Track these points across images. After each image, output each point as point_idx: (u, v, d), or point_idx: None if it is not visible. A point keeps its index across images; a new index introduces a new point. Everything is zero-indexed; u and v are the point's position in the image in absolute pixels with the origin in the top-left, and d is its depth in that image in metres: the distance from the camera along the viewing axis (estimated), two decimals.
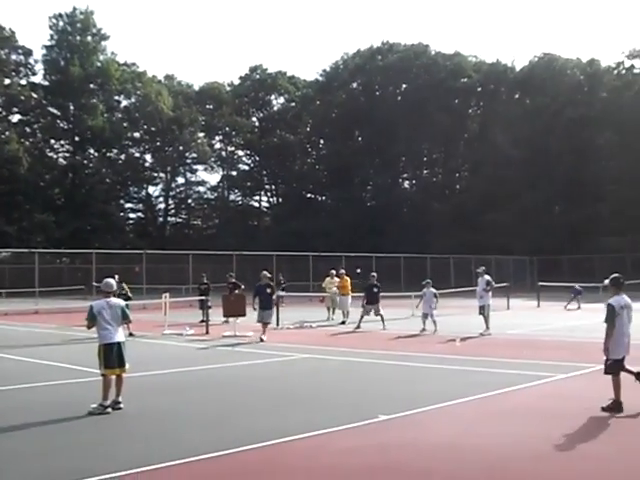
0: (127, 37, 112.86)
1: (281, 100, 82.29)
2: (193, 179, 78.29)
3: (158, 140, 73.67)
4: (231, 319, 20.45)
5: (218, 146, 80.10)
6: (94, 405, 8.82)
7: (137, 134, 73.51)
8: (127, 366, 9.25)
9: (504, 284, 30.36)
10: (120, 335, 9.27)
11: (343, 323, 23.25)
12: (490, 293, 19.61)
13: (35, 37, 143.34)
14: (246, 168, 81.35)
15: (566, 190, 57.52)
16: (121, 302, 9.57)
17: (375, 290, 21.65)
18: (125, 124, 70.77)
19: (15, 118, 65.76)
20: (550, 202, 60.48)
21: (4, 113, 64.25)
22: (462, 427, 7.92)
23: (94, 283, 30.18)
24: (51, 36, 66.42)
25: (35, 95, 65.06)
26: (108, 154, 70.44)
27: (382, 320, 21.10)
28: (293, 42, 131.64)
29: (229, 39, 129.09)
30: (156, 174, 76.13)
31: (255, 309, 18.29)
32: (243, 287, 23.92)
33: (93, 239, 57.32)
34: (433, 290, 20.17)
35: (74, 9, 66.58)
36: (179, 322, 22.01)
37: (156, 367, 13.00)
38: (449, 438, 7.40)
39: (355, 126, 74.50)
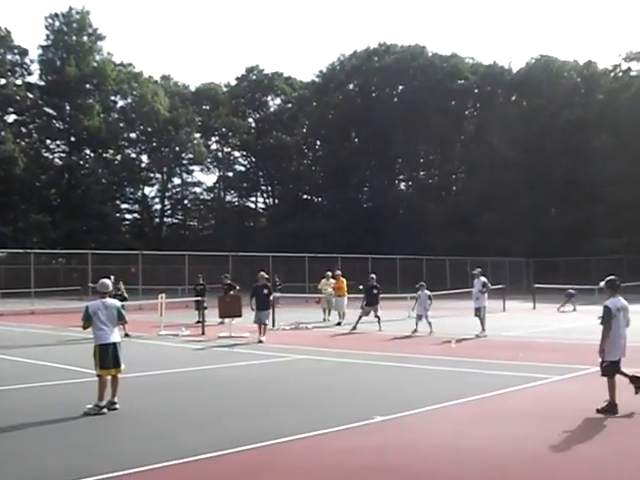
0: (123, 37, 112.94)
1: (277, 101, 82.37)
2: (189, 180, 78.30)
3: (154, 141, 73.58)
4: (227, 320, 20.44)
5: (214, 147, 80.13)
6: (90, 406, 8.81)
7: (133, 135, 73.41)
8: (123, 367, 9.25)
9: (500, 286, 30.38)
10: (116, 336, 9.26)
11: (339, 324, 23.24)
12: (486, 295, 19.66)
13: (31, 37, 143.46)
14: (242, 169, 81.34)
15: (562, 192, 57.58)
16: (117, 303, 9.56)
17: (375, 291, 21.70)
18: (121, 124, 70.64)
19: (11, 118, 65.70)
20: (546, 204, 60.51)
21: (0, 113, 64.14)
22: (458, 428, 7.93)
23: (90, 284, 30.12)
24: (47, 36, 66.30)
25: (31, 95, 64.88)
26: (104, 154, 70.29)
27: (378, 321, 21.13)
28: (290, 43, 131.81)
29: (226, 40, 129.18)
30: (152, 175, 76.03)
31: (253, 309, 18.30)
32: (238, 288, 23.92)
33: (89, 240, 57.25)
34: (427, 292, 20.21)
35: (70, 9, 66.46)
36: (175, 323, 22.00)
37: (152, 368, 12.99)
38: (445, 439, 7.41)
39: (351, 127, 74.51)
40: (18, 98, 63.33)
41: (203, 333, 19.85)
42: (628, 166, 52.01)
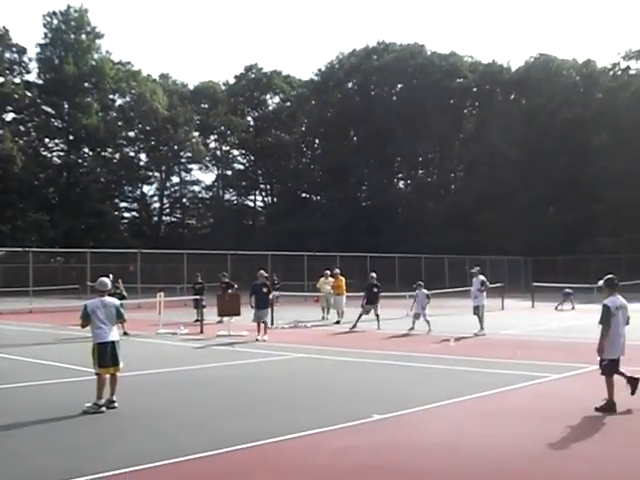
0: (122, 36, 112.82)
1: (276, 99, 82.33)
2: (188, 178, 78.27)
3: (153, 139, 73.52)
4: (225, 318, 20.45)
5: (213, 145, 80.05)
6: (88, 404, 8.81)
7: (132, 133, 73.33)
8: (121, 365, 9.26)
9: (499, 284, 30.39)
10: (114, 334, 9.26)
11: (338, 323, 23.26)
12: (484, 293, 19.65)
13: (29, 35, 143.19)
14: (241, 167, 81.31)
15: (561, 191, 57.56)
16: (115, 301, 9.55)
17: (375, 290, 21.73)
18: (120, 123, 70.52)
19: (9, 117, 65.53)
20: (545, 203, 60.53)
21: None
22: (456, 427, 7.93)
23: (88, 282, 30.10)
24: (45, 34, 66.18)
25: (29, 93, 64.73)
26: (103, 153, 70.22)
27: (377, 320, 21.15)
28: (288, 41, 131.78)
29: (224, 38, 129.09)
30: (151, 173, 75.97)
31: (253, 307, 18.32)
32: (236, 286, 23.92)
33: (88, 238, 57.13)
34: (425, 291, 20.23)
35: (68, 7, 66.29)
36: (174, 321, 21.99)
37: (150, 366, 12.99)
38: (443, 438, 7.41)
39: (350, 126, 74.47)
40: (16, 96, 63.16)
41: (202, 332, 19.85)
42: (627, 165, 51.99)
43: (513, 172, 59.34)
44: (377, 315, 21.30)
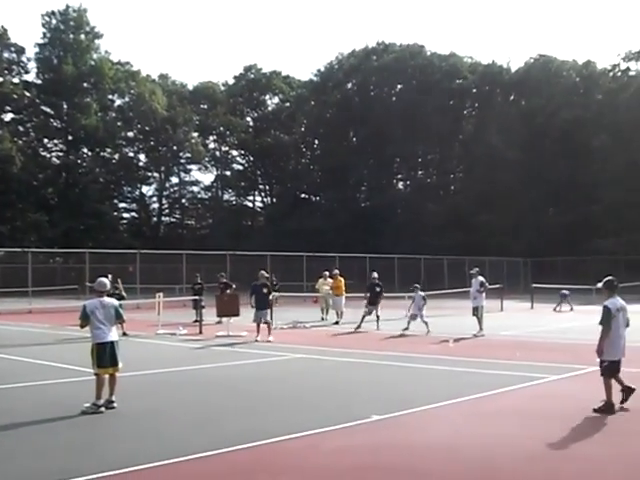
0: (121, 36, 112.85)
1: (275, 100, 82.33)
2: (187, 179, 78.25)
3: (152, 140, 73.47)
4: (224, 319, 20.44)
5: (212, 146, 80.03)
6: (87, 404, 8.82)
7: (131, 133, 73.27)
8: (120, 365, 9.26)
9: (498, 285, 30.41)
10: (113, 334, 9.26)
11: (337, 323, 23.27)
12: (484, 294, 19.66)
13: (28, 35, 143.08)
14: (240, 168, 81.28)
15: (561, 192, 57.61)
16: (114, 302, 9.55)
17: (378, 289, 21.77)
18: (119, 123, 70.46)
19: (8, 117, 65.44)
20: (545, 204, 60.54)
21: None
22: (455, 427, 7.93)
23: (87, 283, 30.09)
24: (44, 34, 66.06)
25: (28, 94, 64.67)
26: (102, 153, 70.17)
27: (377, 320, 21.18)
28: (288, 42, 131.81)
29: (223, 38, 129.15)
30: (150, 174, 75.92)
31: (253, 307, 18.33)
32: (235, 287, 23.92)
33: (86, 239, 57.12)
34: (421, 293, 20.23)
35: (67, 7, 66.21)
36: (173, 322, 21.98)
37: (149, 367, 12.99)
38: (442, 438, 7.41)
39: (350, 126, 74.47)
40: (15, 96, 63.11)
41: (201, 332, 19.84)
42: (627, 166, 52.01)
43: (513, 173, 59.37)
44: (377, 316, 21.33)
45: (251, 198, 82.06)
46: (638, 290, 32.98)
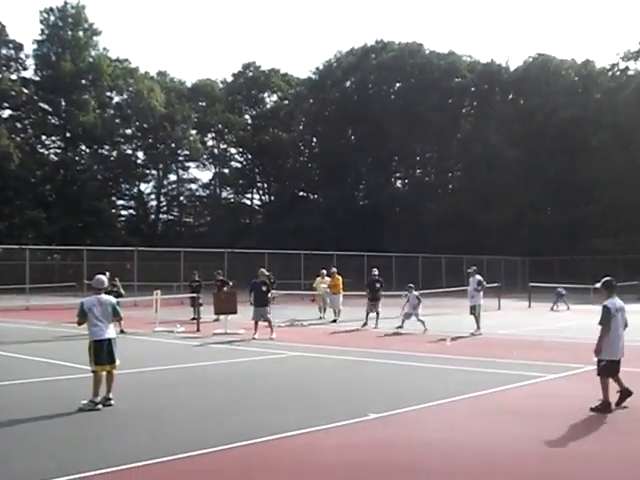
0: (119, 33, 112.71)
1: (274, 98, 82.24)
2: (185, 176, 78.21)
3: (150, 137, 73.37)
4: (222, 316, 20.44)
5: (210, 143, 79.95)
6: (85, 401, 8.82)
7: (129, 131, 73.16)
8: (117, 362, 9.26)
9: (495, 284, 30.43)
10: (111, 332, 9.26)
11: (334, 322, 23.29)
12: (481, 293, 19.69)
13: (26, 31, 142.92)
14: (238, 166, 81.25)
15: (559, 191, 57.64)
16: (112, 299, 9.56)
17: (378, 285, 21.87)
18: (117, 120, 70.34)
19: (6, 113, 65.37)
20: (543, 203, 60.60)
21: None
22: (452, 425, 7.94)
23: (85, 280, 30.08)
24: (42, 31, 65.91)
25: (26, 90, 64.53)
26: (100, 150, 70.10)
27: (377, 318, 21.25)
28: (287, 39, 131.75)
29: (222, 36, 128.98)
30: (148, 171, 75.84)
31: (251, 303, 18.36)
32: (232, 284, 23.93)
33: (84, 236, 57.02)
34: (415, 293, 20.25)
35: (65, 3, 66.09)
36: (170, 319, 21.97)
37: (147, 364, 12.99)
38: (440, 436, 7.42)
39: (348, 125, 74.41)
40: (13, 93, 62.99)
41: (198, 330, 19.83)
42: (625, 165, 52.05)
43: (511, 172, 59.41)
44: (377, 313, 21.40)
45: (249, 196, 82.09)
46: (636, 290, 33.12)
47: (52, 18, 66.11)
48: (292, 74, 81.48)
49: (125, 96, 71.85)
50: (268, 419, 8.22)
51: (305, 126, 78.94)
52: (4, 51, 64.57)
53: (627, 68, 60.48)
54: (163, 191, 76.99)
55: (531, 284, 34.74)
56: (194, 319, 21.42)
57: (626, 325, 9.09)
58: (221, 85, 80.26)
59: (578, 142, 57.55)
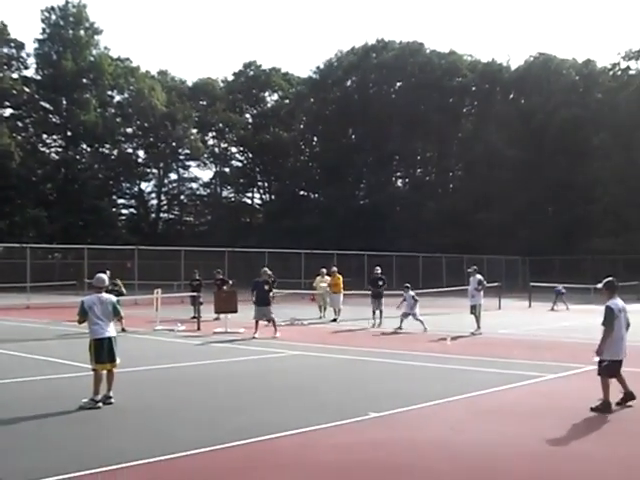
0: (120, 32, 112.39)
1: (275, 97, 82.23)
2: (186, 175, 78.22)
3: (151, 136, 73.37)
4: (222, 315, 20.45)
5: (211, 142, 79.94)
6: (85, 400, 8.83)
7: (130, 129, 73.18)
8: (118, 361, 9.27)
9: (496, 284, 30.42)
10: (111, 330, 9.28)
11: (334, 321, 23.31)
12: (482, 292, 19.69)
13: (27, 30, 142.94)
14: (239, 165, 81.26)
15: (560, 190, 57.57)
16: (112, 298, 9.57)
17: (381, 283, 21.92)
18: (118, 119, 70.36)
19: (7, 112, 65.39)
20: (543, 202, 60.53)
21: None
22: (452, 425, 7.94)
23: (86, 279, 30.08)
24: (43, 29, 65.93)
25: (27, 89, 64.61)
26: (101, 149, 70.14)
27: (380, 316, 21.30)
28: (287, 39, 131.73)
29: (223, 35, 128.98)
30: (149, 170, 75.86)
31: (254, 302, 18.38)
32: (231, 283, 23.94)
33: (85, 234, 57.03)
34: (412, 293, 20.25)
35: (67, 2, 66.08)
36: (171, 318, 21.99)
37: (147, 363, 13.00)
38: (439, 436, 7.42)
39: (349, 124, 74.38)
40: (14, 92, 63.04)
41: (199, 328, 19.85)
42: (626, 165, 52.01)
43: (511, 171, 59.35)
44: (380, 311, 21.43)
45: (250, 195, 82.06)
46: (636, 290, 33.08)
47: (53, 17, 66.18)
48: (293, 73, 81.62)
49: (126, 95, 71.88)
50: (268, 418, 8.23)
51: (306, 125, 78.92)
52: (5, 50, 64.63)
53: (628, 68, 60.40)
54: (164, 190, 76.99)
55: (531, 284, 34.74)
56: (194, 318, 21.43)
57: (628, 325, 9.10)
58: (222, 84, 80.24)
59: (579, 142, 57.45)
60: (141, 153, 75.19)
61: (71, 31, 66.12)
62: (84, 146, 69.44)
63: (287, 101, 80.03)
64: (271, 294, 18.97)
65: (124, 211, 75.23)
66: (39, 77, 66.41)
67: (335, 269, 25.79)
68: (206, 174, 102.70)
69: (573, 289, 32.24)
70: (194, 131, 75.11)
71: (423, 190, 69.79)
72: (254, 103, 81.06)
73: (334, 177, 69.84)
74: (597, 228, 52.95)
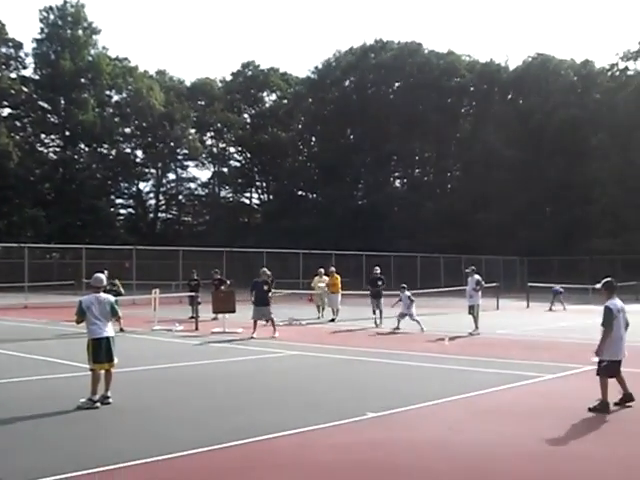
0: (118, 31, 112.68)
1: (273, 97, 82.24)
2: (184, 175, 78.25)
3: (149, 136, 73.37)
4: (220, 315, 20.44)
5: (209, 142, 79.95)
6: (83, 400, 8.82)
7: (128, 129, 73.17)
8: (116, 361, 9.27)
9: (494, 284, 30.44)
10: (109, 330, 9.27)
11: (332, 321, 23.31)
12: (480, 293, 19.68)
13: (26, 30, 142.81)
14: (237, 165, 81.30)
15: (558, 191, 57.61)
16: (110, 298, 9.56)
17: (380, 283, 21.92)
18: (116, 119, 70.37)
19: (5, 112, 65.38)
20: (542, 203, 60.57)
21: None
22: (450, 425, 7.93)
23: (84, 279, 30.07)
24: (42, 29, 65.94)
25: (25, 89, 64.59)
26: (99, 149, 70.11)
27: (380, 316, 21.30)
28: (286, 38, 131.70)
29: (221, 35, 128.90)
30: (147, 170, 75.85)
31: (253, 302, 18.38)
32: (229, 283, 23.94)
33: (83, 234, 57.03)
34: (408, 293, 20.27)
35: (65, 2, 66.07)
36: (169, 318, 21.99)
37: (145, 362, 12.99)
38: (437, 436, 7.42)
39: (347, 124, 74.40)
40: (12, 92, 63.03)
41: (197, 328, 19.84)
42: (624, 166, 52.05)
43: (510, 172, 59.39)
44: (380, 311, 21.43)
45: (248, 195, 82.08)
46: (635, 290, 33.15)
47: (52, 17, 66.16)
48: (291, 73, 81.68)
49: (124, 95, 71.86)
50: (266, 418, 8.23)
51: (304, 125, 78.95)
52: (4, 50, 64.63)
53: (626, 68, 60.49)
54: (162, 190, 76.98)
55: (529, 284, 34.77)
56: (192, 318, 21.43)
57: (627, 325, 9.10)
58: (220, 84, 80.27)
59: (577, 142, 57.50)
60: (139, 153, 75.29)
61: (69, 31, 66.11)
62: (82, 146, 69.42)
63: (285, 101, 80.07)
64: (270, 294, 18.98)
65: (122, 211, 75.34)
66: (37, 77, 66.41)
67: (333, 269, 25.78)
68: (204, 174, 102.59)
69: (571, 289, 32.25)
70: (192, 131, 75.12)
71: (421, 190, 69.82)
72: (252, 103, 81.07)
73: (332, 177, 69.86)
74: (595, 228, 52.99)
